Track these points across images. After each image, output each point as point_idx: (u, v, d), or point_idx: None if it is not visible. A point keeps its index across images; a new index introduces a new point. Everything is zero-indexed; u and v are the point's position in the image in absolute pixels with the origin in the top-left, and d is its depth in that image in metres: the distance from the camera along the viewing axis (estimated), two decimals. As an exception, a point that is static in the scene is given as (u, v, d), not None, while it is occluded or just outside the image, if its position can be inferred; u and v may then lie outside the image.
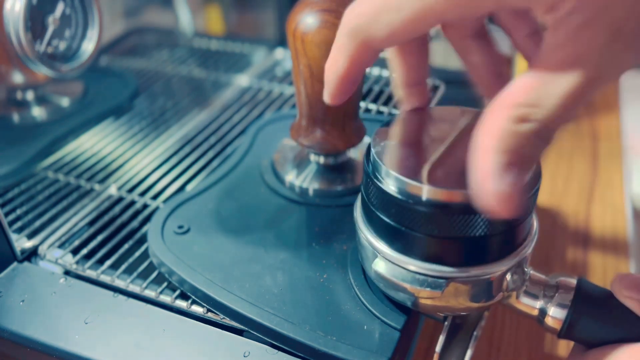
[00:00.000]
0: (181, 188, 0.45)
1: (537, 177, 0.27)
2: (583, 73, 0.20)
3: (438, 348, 0.31)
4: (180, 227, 0.37)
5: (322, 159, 0.40)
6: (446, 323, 0.31)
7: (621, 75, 0.21)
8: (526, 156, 0.21)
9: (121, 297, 0.35)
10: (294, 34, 0.34)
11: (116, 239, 0.40)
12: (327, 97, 0.28)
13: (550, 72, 0.20)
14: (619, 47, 0.20)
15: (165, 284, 0.35)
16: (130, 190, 0.45)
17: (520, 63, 0.70)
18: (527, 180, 0.22)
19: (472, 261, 0.27)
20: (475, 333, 0.31)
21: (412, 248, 0.27)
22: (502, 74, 0.30)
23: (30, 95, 0.52)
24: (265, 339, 0.31)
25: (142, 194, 0.45)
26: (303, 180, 0.40)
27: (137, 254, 0.38)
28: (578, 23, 0.20)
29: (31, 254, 0.39)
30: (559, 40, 0.20)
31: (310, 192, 0.39)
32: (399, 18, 0.22)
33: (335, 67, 0.26)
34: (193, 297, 0.34)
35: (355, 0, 0.24)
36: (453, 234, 0.26)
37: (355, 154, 0.42)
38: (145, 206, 0.44)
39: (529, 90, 0.21)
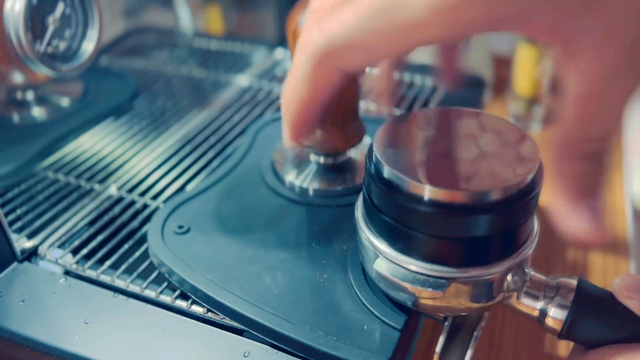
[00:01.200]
0: (181, 188, 0.45)
1: (538, 179, 0.27)
2: (620, 87, 0.20)
3: (438, 348, 0.31)
4: (180, 227, 0.37)
5: (322, 159, 0.40)
6: (446, 323, 0.31)
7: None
8: (600, 183, 0.22)
9: (121, 297, 0.35)
10: (294, 34, 0.34)
11: (116, 239, 0.40)
12: (287, 133, 0.26)
13: (593, 99, 0.21)
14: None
15: (165, 284, 0.35)
16: (130, 190, 0.45)
17: (519, 63, 0.70)
18: (602, 203, 0.23)
19: (473, 262, 0.27)
20: (475, 333, 0.31)
21: (413, 248, 0.27)
22: (453, 61, 0.31)
23: (30, 95, 0.52)
24: (265, 339, 0.31)
25: (142, 194, 0.45)
26: (303, 180, 0.40)
27: (137, 254, 0.38)
28: (592, 47, 0.20)
29: (31, 254, 0.39)
30: (584, 66, 0.21)
31: (310, 192, 0.39)
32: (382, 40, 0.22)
33: (297, 95, 0.25)
34: (193, 297, 0.34)
35: (318, 25, 0.23)
36: (454, 234, 0.26)
37: (355, 154, 0.42)
38: (145, 206, 0.43)
39: (585, 125, 0.21)
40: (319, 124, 0.37)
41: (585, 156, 0.22)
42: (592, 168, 0.22)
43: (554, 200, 0.23)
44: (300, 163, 0.41)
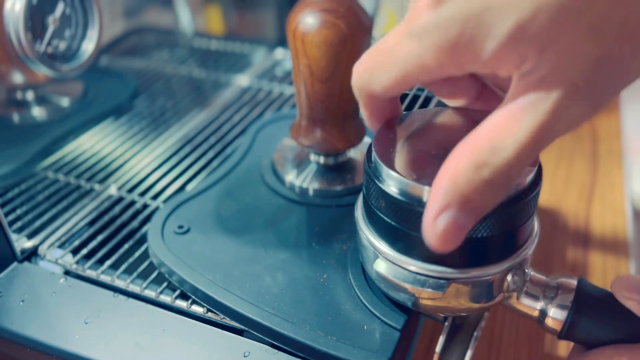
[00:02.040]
0: (181, 188, 0.45)
1: (537, 180, 0.27)
2: (537, 121, 0.21)
3: (438, 348, 0.31)
4: (180, 227, 0.37)
5: (322, 159, 0.40)
6: (446, 324, 0.31)
7: (575, 128, 0.22)
8: (477, 203, 0.22)
9: (121, 297, 0.35)
10: (294, 34, 0.34)
11: (116, 239, 0.40)
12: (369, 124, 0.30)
13: (508, 119, 0.21)
14: (573, 100, 0.21)
15: (165, 284, 0.35)
16: (130, 190, 0.45)
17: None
18: (473, 225, 0.23)
19: (473, 262, 0.27)
20: (475, 333, 0.31)
21: (413, 249, 0.27)
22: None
23: (30, 95, 0.52)
24: (265, 339, 0.31)
25: (142, 194, 0.45)
26: (303, 180, 0.40)
27: (137, 254, 0.38)
28: (536, 78, 0.21)
29: (31, 254, 0.39)
30: (518, 90, 0.22)
31: (310, 192, 0.39)
32: (388, 78, 0.25)
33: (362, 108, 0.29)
34: (193, 297, 0.34)
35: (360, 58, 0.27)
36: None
37: (355, 154, 0.42)
38: (145, 206, 0.43)
39: (490, 136, 0.22)
40: (319, 124, 0.37)
41: (476, 166, 0.22)
42: (478, 181, 0.22)
43: (431, 192, 0.23)
44: (300, 163, 0.41)
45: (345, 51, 0.34)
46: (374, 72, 0.26)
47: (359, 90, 0.27)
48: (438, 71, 0.23)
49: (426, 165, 0.26)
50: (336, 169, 0.40)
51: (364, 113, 0.29)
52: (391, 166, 0.26)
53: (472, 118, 0.30)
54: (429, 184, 0.25)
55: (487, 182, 0.21)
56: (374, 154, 0.28)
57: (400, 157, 0.27)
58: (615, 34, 0.20)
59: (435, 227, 0.22)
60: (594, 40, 0.20)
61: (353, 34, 0.33)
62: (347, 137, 0.38)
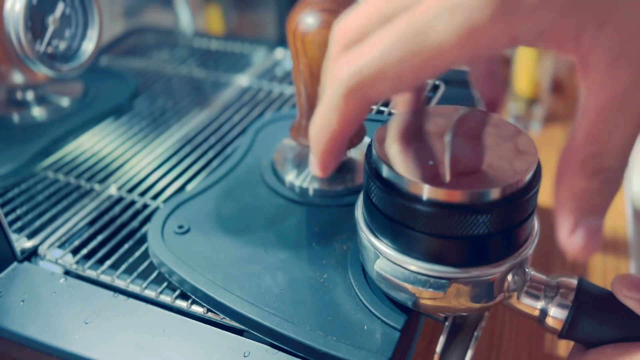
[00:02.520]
0: (181, 188, 0.45)
1: (537, 178, 0.27)
2: (634, 105, 0.20)
3: (438, 348, 0.31)
4: (180, 227, 0.37)
5: (322, 159, 0.40)
6: (447, 323, 0.31)
7: None
8: (603, 203, 0.22)
9: (121, 297, 0.35)
10: (294, 34, 0.34)
11: (116, 239, 0.40)
12: (317, 165, 0.26)
13: (604, 114, 0.21)
14: None
15: (165, 284, 0.35)
16: (130, 190, 0.45)
17: (519, 63, 0.70)
18: (604, 219, 0.23)
19: (474, 262, 0.27)
20: (475, 333, 0.31)
21: (414, 248, 0.27)
22: (495, 73, 0.30)
23: (30, 95, 0.52)
24: (265, 339, 0.31)
25: (142, 194, 0.45)
26: (303, 180, 0.40)
27: (137, 254, 0.38)
28: (604, 65, 0.20)
29: (31, 254, 0.39)
30: (598, 79, 0.21)
31: (310, 192, 0.39)
32: (407, 68, 0.21)
33: (327, 126, 0.24)
34: (193, 297, 0.34)
35: (347, 55, 0.23)
36: (455, 234, 0.26)
37: (355, 154, 0.42)
38: (145, 206, 0.43)
39: (592, 140, 0.21)
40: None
41: (589, 174, 0.22)
42: (596, 187, 0.22)
43: (555, 212, 0.23)
44: (300, 163, 0.41)
45: (345, 51, 0.34)
46: (391, 63, 0.21)
47: (351, 93, 0.23)
48: (492, 41, 0.20)
49: (426, 164, 0.26)
50: (336, 169, 0.40)
51: (322, 149, 0.25)
52: (391, 165, 0.26)
53: (471, 116, 0.30)
54: (429, 182, 0.25)
55: (604, 183, 0.22)
56: (374, 153, 0.28)
57: (401, 155, 0.27)
58: None
59: (575, 242, 0.23)
60: None
61: (353, 33, 0.33)
62: (347, 137, 0.38)
